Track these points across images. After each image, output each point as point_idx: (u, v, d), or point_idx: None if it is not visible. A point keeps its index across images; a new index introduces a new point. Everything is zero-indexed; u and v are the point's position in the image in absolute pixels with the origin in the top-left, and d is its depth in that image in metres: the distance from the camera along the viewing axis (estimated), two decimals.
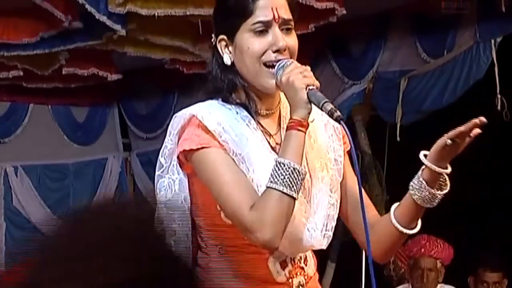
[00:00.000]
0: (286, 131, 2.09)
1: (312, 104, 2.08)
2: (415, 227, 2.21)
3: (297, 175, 2.03)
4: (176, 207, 2.21)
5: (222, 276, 2.17)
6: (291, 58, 2.16)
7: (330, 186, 2.21)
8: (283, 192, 2.02)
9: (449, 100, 6.05)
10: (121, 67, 6.51)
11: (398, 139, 6.31)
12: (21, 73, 6.23)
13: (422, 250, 5.43)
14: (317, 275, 2.27)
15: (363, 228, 2.23)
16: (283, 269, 2.17)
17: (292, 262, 2.18)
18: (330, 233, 2.19)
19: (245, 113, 2.19)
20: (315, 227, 2.14)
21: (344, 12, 5.20)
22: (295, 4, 2.23)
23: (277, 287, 2.17)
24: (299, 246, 2.14)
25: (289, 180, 2.03)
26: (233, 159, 2.11)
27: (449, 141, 2.07)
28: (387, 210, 2.24)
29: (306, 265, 2.21)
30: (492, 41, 5.84)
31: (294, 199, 2.04)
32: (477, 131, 2.08)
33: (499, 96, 5.75)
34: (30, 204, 7.41)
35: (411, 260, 5.54)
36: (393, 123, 6.44)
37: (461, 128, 2.06)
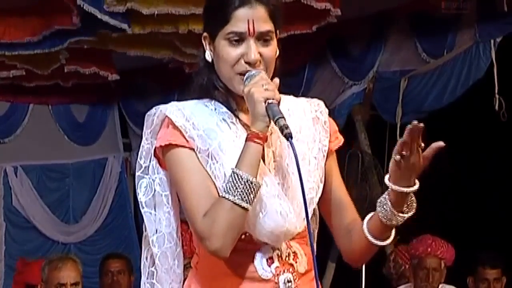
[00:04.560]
0: (245, 141, 2.11)
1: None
2: (387, 238, 2.20)
3: (250, 187, 2.06)
4: (158, 207, 2.22)
5: (207, 275, 2.18)
6: (267, 68, 2.17)
7: (310, 171, 2.21)
8: (234, 203, 2.05)
9: (448, 100, 6.07)
10: (121, 66, 6.51)
11: (398, 139, 6.31)
12: (22, 73, 6.23)
13: (429, 249, 5.44)
14: (312, 273, 2.24)
15: (342, 229, 2.27)
16: (269, 266, 2.17)
17: (280, 258, 2.18)
18: (309, 216, 2.19)
19: (225, 109, 2.21)
20: (289, 211, 2.15)
21: (339, 13, 5.19)
22: (279, 12, 2.21)
23: (262, 284, 2.16)
24: (275, 233, 2.14)
25: (242, 191, 2.05)
26: (198, 159, 2.13)
27: (397, 157, 2.07)
28: None
29: (296, 262, 2.20)
30: (492, 41, 5.85)
31: (246, 210, 2.07)
32: (436, 145, 2.07)
33: (497, 96, 5.76)
34: (30, 204, 7.41)
35: (415, 259, 5.55)
36: (393, 123, 6.45)
37: (401, 140, 2.05)
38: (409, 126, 2.03)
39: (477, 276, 5.64)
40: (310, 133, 2.26)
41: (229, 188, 2.06)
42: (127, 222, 7.81)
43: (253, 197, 2.07)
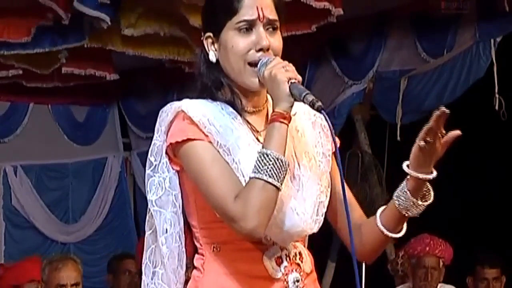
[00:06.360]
0: (269, 123, 2.11)
1: (296, 101, 2.10)
2: (400, 231, 2.22)
3: (280, 165, 2.05)
4: (167, 206, 2.20)
5: (217, 275, 2.17)
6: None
7: (318, 175, 2.22)
8: (266, 181, 2.03)
9: (448, 100, 6.06)
10: (121, 66, 6.51)
11: (398, 138, 6.32)
12: (21, 72, 6.22)
13: (427, 248, 5.44)
14: (314, 273, 2.27)
15: (347, 229, 2.23)
16: (279, 265, 2.17)
17: (288, 258, 2.18)
18: (321, 219, 2.21)
19: (231, 109, 2.20)
20: (305, 211, 2.15)
21: (341, 12, 5.19)
22: (283, 5, 2.24)
23: (273, 283, 2.16)
24: (290, 232, 2.14)
25: (273, 170, 2.04)
26: (218, 151, 2.12)
27: (422, 143, 2.08)
28: None
29: (302, 261, 2.21)
30: (492, 41, 5.86)
31: (278, 188, 2.05)
32: (453, 133, 2.09)
33: (497, 95, 5.76)
34: (29, 204, 7.41)
35: (414, 258, 5.55)
36: (393, 122, 6.45)
37: (427, 125, 2.07)
38: (436, 112, 2.05)
39: (476, 276, 5.65)
40: (312, 136, 2.26)
41: (259, 168, 2.04)
42: (126, 222, 7.81)
43: (283, 176, 2.06)
